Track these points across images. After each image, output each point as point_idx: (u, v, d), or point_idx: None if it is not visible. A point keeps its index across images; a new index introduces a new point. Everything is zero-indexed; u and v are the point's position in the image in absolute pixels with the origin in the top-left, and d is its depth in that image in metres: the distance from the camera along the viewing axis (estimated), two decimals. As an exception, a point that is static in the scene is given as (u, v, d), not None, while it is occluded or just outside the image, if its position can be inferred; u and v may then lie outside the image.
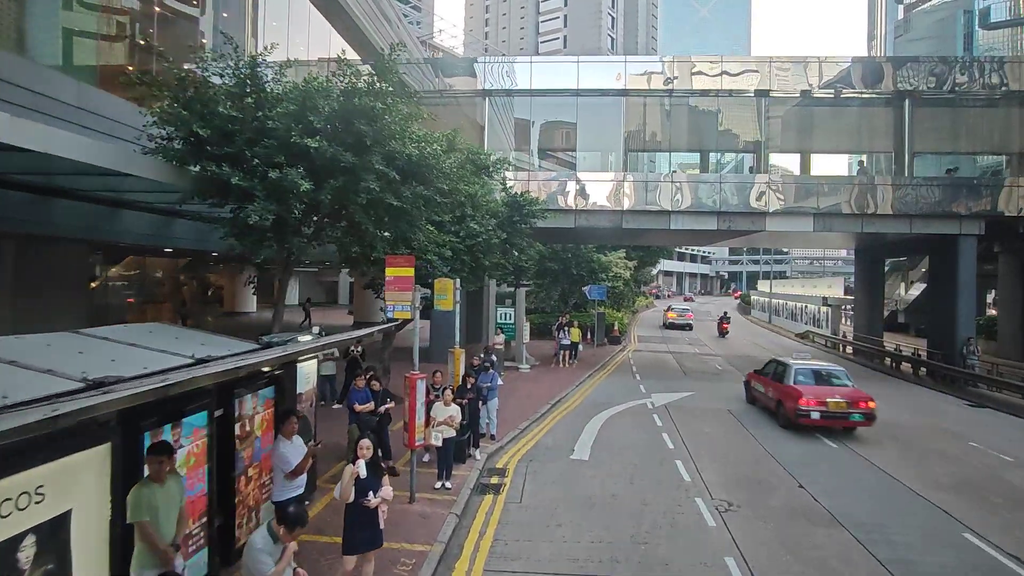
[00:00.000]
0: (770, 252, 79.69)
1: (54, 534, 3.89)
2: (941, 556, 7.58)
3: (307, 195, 7.63)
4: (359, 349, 15.00)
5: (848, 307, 36.75)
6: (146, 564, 4.62)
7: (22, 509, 3.59)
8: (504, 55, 56.92)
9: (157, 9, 14.55)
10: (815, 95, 22.21)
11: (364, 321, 30.95)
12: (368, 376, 10.47)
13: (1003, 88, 21.19)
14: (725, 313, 41.51)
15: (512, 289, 24.61)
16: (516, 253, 18.41)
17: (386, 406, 10.06)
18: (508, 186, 18.05)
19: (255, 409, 7.12)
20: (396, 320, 8.82)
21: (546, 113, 23.68)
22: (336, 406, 14.08)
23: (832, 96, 22.27)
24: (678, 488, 9.80)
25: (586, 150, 24.53)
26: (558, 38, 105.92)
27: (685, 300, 75.77)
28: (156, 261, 27.66)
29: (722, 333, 37.86)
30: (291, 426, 6.49)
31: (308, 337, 8.51)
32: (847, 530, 8.20)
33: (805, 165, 25.09)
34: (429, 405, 10.02)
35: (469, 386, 11.66)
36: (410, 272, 8.59)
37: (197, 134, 7.54)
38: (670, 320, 42.74)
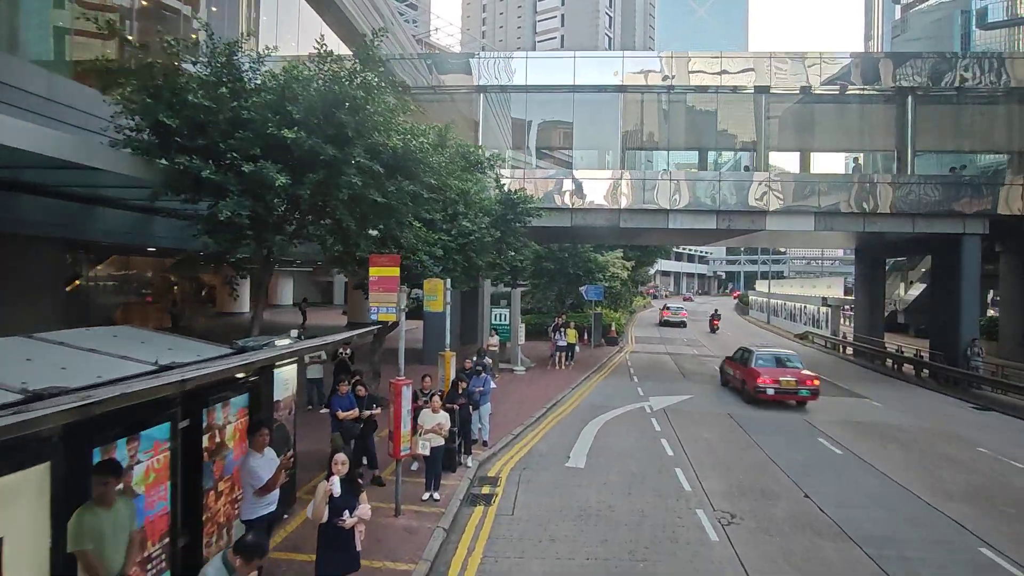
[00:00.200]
0: (768, 252, 79.38)
1: (-19, 566, 3.44)
2: (959, 574, 7.14)
3: (284, 190, 7.15)
4: (348, 352, 14.52)
5: (848, 307, 36.36)
6: (89, 598, 4.15)
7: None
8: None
9: (144, 2, 14.08)
10: (816, 92, 21.78)
11: (358, 322, 30.46)
12: (353, 381, 10.01)
13: (1006, 85, 20.78)
14: (716, 311, 45.50)
15: (507, 289, 24.15)
16: (512, 253, 17.93)
17: (371, 412, 9.59)
18: (502, 183, 17.56)
19: (226, 419, 6.64)
20: (380, 323, 8.33)
21: (542, 110, 23.21)
22: (323, 411, 13.57)
23: (833, 93, 21.83)
24: (678, 498, 9.35)
25: (583, 148, 24.06)
26: (555, 37, 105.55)
27: (684, 300, 77.32)
28: (147, 261, 27.13)
29: (713, 329, 40.75)
30: (262, 438, 6.01)
31: (286, 341, 8.04)
32: (857, 545, 7.75)
33: (805, 163, 24.71)
34: (417, 411, 9.58)
35: (460, 391, 11.20)
36: (395, 272, 8.12)
37: (166, 125, 7.05)
38: (665, 318, 45.60)
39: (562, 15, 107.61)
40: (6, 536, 3.74)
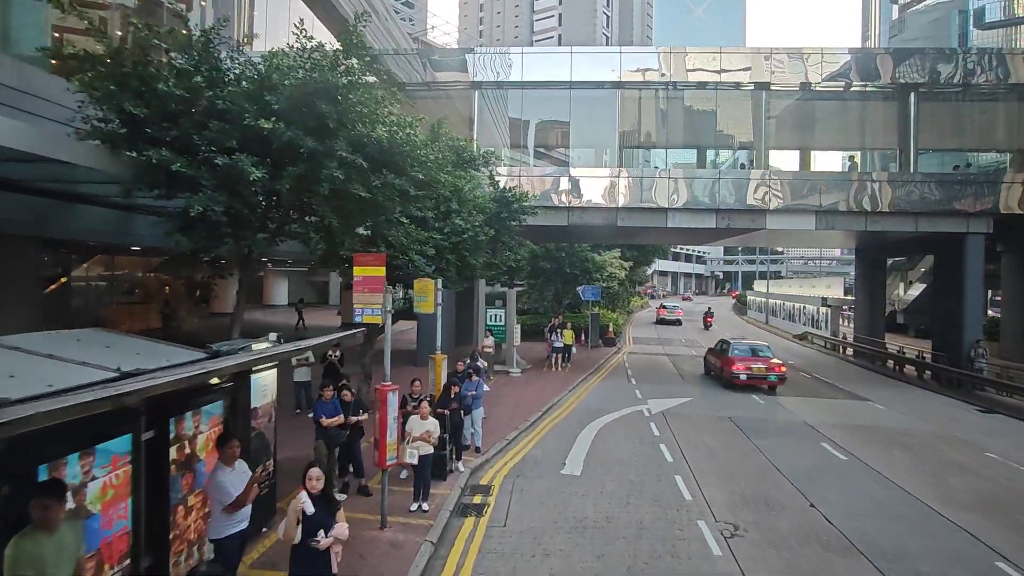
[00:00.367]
0: (766, 252, 79.08)
1: None
2: (976, 591, 6.76)
3: (261, 184, 6.71)
4: (337, 354, 14.08)
5: (847, 308, 36.02)
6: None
7: None
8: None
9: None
10: (817, 88, 21.42)
11: (353, 322, 29.95)
12: (339, 385, 9.58)
13: (1009, 81, 20.41)
14: (709, 309, 49.73)
15: (503, 289, 23.74)
16: (507, 252, 17.50)
17: (358, 418, 9.17)
18: (496, 180, 17.13)
19: (197, 428, 6.21)
20: (362, 326, 7.91)
21: (538, 107, 22.77)
22: (312, 415, 13.14)
23: (834, 90, 21.50)
24: (678, 508, 8.94)
25: (580, 146, 23.65)
26: (552, 36, 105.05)
27: (683, 299, 79.20)
28: (139, 260, 26.61)
29: (707, 326, 43.24)
30: (232, 450, 5.58)
31: (264, 344, 7.62)
32: (868, 560, 7.35)
33: (805, 161, 24.29)
34: (407, 417, 9.17)
35: (453, 395, 10.78)
36: (381, 272, 7.69)
37: (135, 115, 6.61)
38: (662, 316, 47.94)
39: (559, 14, 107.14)
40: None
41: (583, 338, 29.31)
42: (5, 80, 8.81)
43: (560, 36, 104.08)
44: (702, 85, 21.50)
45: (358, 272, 7.70)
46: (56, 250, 14.29)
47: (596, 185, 21.24)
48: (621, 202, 21.07)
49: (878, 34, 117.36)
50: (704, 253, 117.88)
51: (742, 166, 22.84)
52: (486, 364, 17.01)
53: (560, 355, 22.14)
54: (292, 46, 7.64)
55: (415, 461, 8.39)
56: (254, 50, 7.87)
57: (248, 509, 5.65)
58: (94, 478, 4.71)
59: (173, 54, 7.61)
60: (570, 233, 25.95)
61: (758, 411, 16.22)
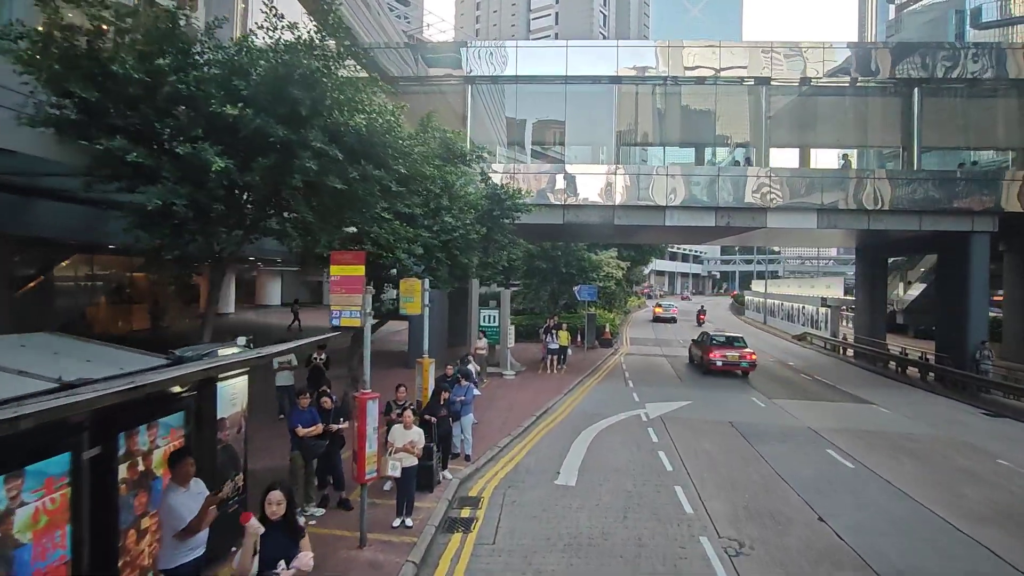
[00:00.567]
0: (764, 252, 78.70)
1: None
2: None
3: (226, 175, 6.15)
4: (322, 357, 13.51)
5: (847, 308, 35.56)
6: None
7: None
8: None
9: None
10: (818, 84, 20.93)
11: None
12: (319, 392, 9.03)
13: (1013, 77, 19.95)
14: (702, 307, 53.71)
15: (498, 289, 23.20)
16: (501, 251, 16.94)
17: (339, 427, 8.60)
18: (487, 176, 16.55)
19: (153, 442, 5.64)
20: (338, 330, 7.35)
21: (533, 102, 22.21)
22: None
23: (835, 85, 21.01)
24: (679, 523, 8.40)
25: (576, 143, 23.10)
26: (549, 35, 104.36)
27: (682, 299, 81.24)
28: (128, 259, 25.93)
29: (700, 323, 44.15)
30: (186, 469, 5.01)
31: (232, 349, 7.06)
32: (884, 581, 6.84)
33: (805, 159, 23.77)
34: (390, 425, 8.62)
35: (443, 401, 10.24)
36: (360, 271, 7.13)
37: (86, 100, 6.04)
38: (658, 314, 50.36)
39: (556, 13, 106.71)
40: None
41: (579, 339, 28.77)
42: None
43: (556, 35, 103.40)
44: (701, 80, 20.97)
45: (335, 271, 7.14)
46: (29, 248, 13.66)
47: (592, 182, 20.70)
48: (618, 200, 20.53)
49: (874, 35, 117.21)
50: (701, 253, 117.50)
51: (736, 163, 22.32)
52: (479, 368, 16.46)
53: (555, 357, 21.60)
54: (262, 26, 7.06)
55: (398, 474, 7.83)
56: (213, 24, 7.19)
57: (204, 534, 5.07)
58: (23, 503, 4.15)
59: (137, 35, 7.03)
60: (566, 232, 25.41)
61: (759, 415, 15.71)
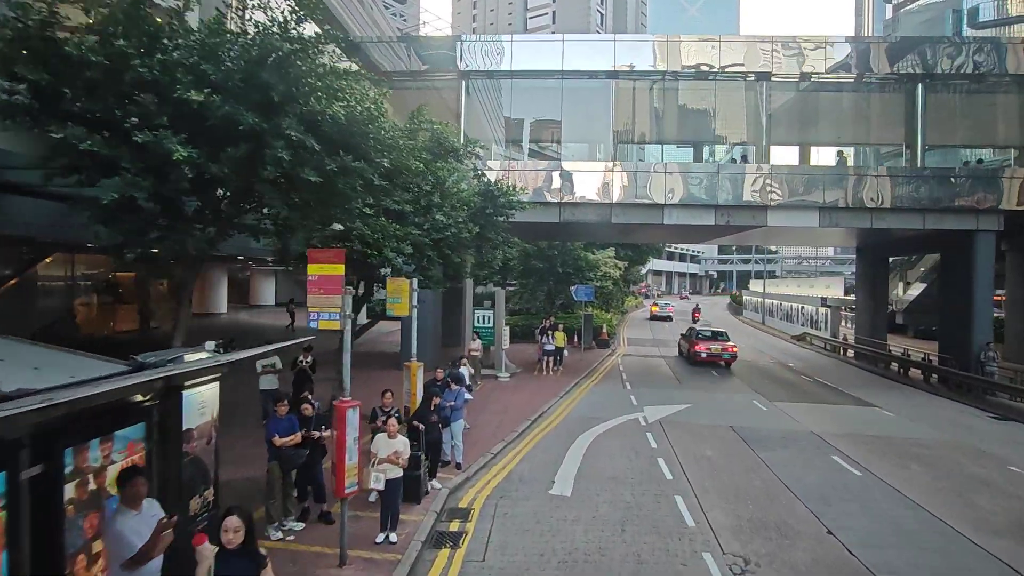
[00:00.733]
0: (762, 251, 78.35)
1: None
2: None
3: (189, 164, 5.66)
4: (308, 359, 13.03)
5: (847, 308, 35.17)
6: None
7: None
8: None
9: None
10: (819, 80, 20.51)
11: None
12: (299, 397, 8.56)
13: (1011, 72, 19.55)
14: (697, 305, 56.54)
15: (493, 289, 22.72)
16: (494, 250, 16.47)
17: (320, 435, 8.11)
18: (480, 172, 16.05)
19: (108, 458, 5.14)
20: (312, 336, 6.87)
21: (529, 98, 21.72)
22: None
23: (836, 81, 20.59)
24: (680, 537, 7.93)
25: (573, 140, 22.64)
26: (546, 33, 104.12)
27: (681, 299, 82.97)
28: (120, 259, 25.32)
29: (695, 320, 44.46)
30: (135, 489, 4.51)
31: (202, 355, 6.56)
32: (901, 603, 6.38)
33: (805, 157, 23.33)
34: (376, 433, 8.14)
35: (434, 406, 9.76)
36: (339, 270, 6.66)
37: (37, 84, 5.54)
38: (654, 313, 52.28)
39: (553, 12, 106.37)
40: None
41: (576, 340, 28.32)
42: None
43: (553, 33, 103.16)
44: (700, 75, 20.50)
45: (313, 270, 6.66)
46: (2, 247, 13.10)
47: (589, 180, 20.24)
48: (616, 198, 20.07)
49: (872, 34, 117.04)
50: (698, 253, 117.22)
51: (732, 160, 21.87)
52: (472, 371, 15.98)
53: (551, 358, 21.14)
54: (230, 4, 6.57)
55: (381, 487, 7.34)
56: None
57: (157, 562, 4.57)
58: (-57, 532, 3.67)
59: (99, 15, 6.53)
60: (562, 230, 24.95)
61: (760, 419, 15.27)
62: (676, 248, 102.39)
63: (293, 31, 6.45)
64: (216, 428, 6.83)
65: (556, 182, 20.20)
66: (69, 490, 4.69)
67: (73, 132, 5.54)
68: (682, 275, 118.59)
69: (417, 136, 10.66)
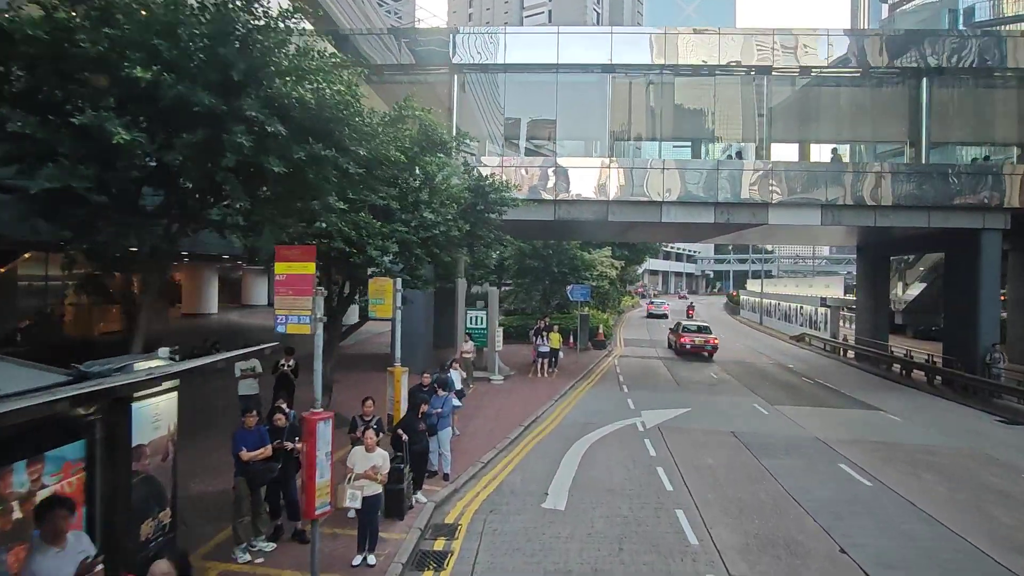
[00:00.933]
0: (759, 251, 77.95)
1: None
2: None
3: (137, 151, 5.04)
4: (291, 363, 12.39)
5: (847, 308, 34.71)
6: None
7: None
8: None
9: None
10: (820, 74, 19.99)
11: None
12: (273, 406, 7.95)
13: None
14: (692, 303, 60.18)
15: (487, 289, 22.09)
16: (485, 248, 15.86)
17: (294, 446, 7.49)
18: (472, 167, 15.44)
19: (37, 481, 4.54)
20: (275, 343, 6.26)
21: (524, 93, 21.10)
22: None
23: (838, 76, 20.07)
24: (683, 557, 7.35)
25: (568, 137, 22.01)
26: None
27: (679, 298, 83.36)
28: (106, 257, 24.59)
29: (689, 318, 44.80)
30: (56, 524, 3.90)
31: (155, 362, 5.95)
32: (926, 634, 5.81)
33: (805, 154, 22.78)
34: (356, 444, 7.55)
35: (421, 414, 9.16)
36: (309, 268, 6.05)
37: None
38: (650, 311, 54.75)
39: (549, 11, 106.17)
40: None
41: (572, 341, 27.73)
42: None
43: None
44: (698, 69, 19.93)
45: (280, 269, 6.05)
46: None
47: (585, 176, 19.65)
48: (612, 195, 19.49)
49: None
50: (695, 252, 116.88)
51: (729, 157, 21.30)
52: (464, 374, 15.39)
53: (546, 360, 20.54)
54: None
55: (358, 505, 6.73)
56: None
57: (83, 605, 3.97)
58: None
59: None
60: (558, 229, 24.34)
61: (762, 424, 14.72)
62: (672, 248, 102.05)
63: (257, 6, 5.84)
64: (174, 442, 6.21)
65: (551, 179, 19.61)
66: (-15, 521, 4.10)
67: (2, 113, 4.92)
68: (678, 275, 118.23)
69: (402, 125, 10.00)
